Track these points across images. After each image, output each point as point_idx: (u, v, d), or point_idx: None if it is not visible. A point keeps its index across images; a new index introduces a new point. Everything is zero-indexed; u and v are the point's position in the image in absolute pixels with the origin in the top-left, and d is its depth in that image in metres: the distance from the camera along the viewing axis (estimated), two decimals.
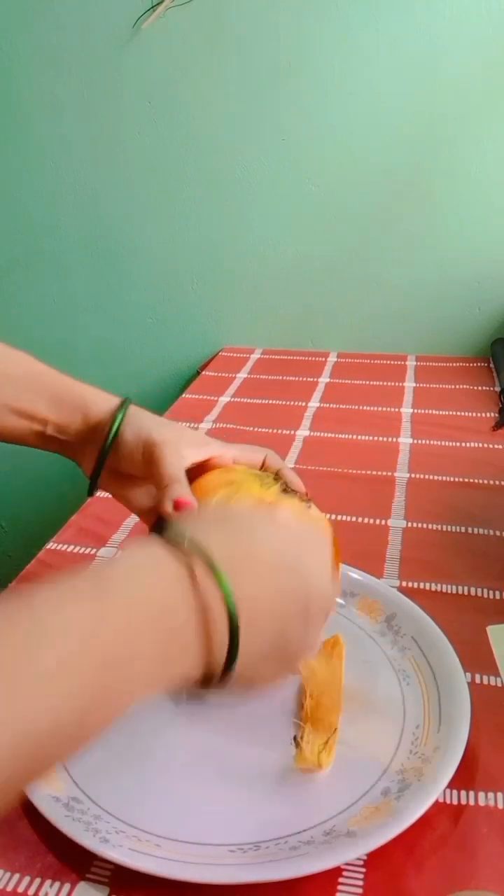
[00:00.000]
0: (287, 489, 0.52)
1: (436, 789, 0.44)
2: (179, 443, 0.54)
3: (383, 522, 0.78)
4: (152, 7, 1.22)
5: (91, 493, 0.57)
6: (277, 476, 0.54)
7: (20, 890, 0.42)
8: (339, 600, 0.61)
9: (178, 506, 0.49)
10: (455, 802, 0.46)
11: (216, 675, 0.37)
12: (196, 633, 0.36)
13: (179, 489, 0.50)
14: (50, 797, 0.44)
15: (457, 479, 0.87)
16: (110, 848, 0.41)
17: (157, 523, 0.41)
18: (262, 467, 0.57)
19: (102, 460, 0.55)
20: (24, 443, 0.57)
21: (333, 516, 0.76)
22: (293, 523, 0.43)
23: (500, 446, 0.96)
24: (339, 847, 0.41)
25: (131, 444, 0.54)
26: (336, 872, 0.42)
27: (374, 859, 0.42)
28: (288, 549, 0.41)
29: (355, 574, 0.64)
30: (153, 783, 0.47)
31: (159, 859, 0.41)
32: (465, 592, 0.66)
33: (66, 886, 0.42)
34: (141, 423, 0.55)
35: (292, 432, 1.03)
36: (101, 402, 0.56)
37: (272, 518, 0.43)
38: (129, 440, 0.54)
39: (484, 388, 1.17)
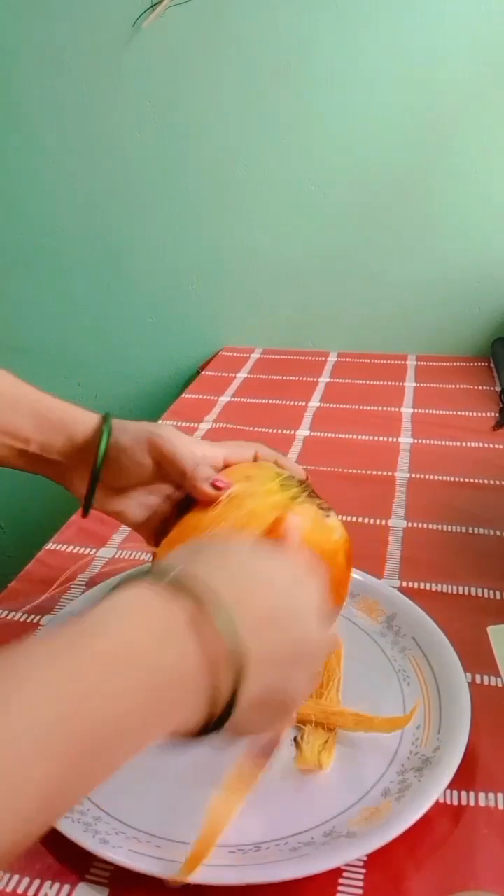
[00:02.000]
0: (311, 494, 0.52)
1: (436, 790, 0.44)
2: (181, 436, 0.54)
3: (383, 522, 0.78)
4: (152, 6, 1.22)
5: (86, 513, 0.57)
6: (302, 482, 0.53)
7: (20, 890, 0.42)
8: None
9: (216, 486, 0.50)
10: (455, 803, 0.46)
11: (210, 725, 0.34)
12: (195, 684, 0.32)
13: (207, 469, 0.51)
14: None
15: (457, 479, 0.87)
16: (110, 849, 0.41)
17: (153, 565, 0.39)
18: (254, 461, 0.57)
19: (95, 479, 0.54)
20: (7, 464, 0.55)
21: None
22: (289, 569, 0.40)
23: (501, 446, 0.96)
24: (340, 848, 0.41)
25: (136, 452, 0.53)
26: (336, 873, 0.42)
27: (375, 859, 0.42)
28: (283, 599, 0.38)
29: (355, 574, 0.64)
30: (153, 784, 0.47)
31: (159, 860, 0.41)
32: (466, 592, 0.66)
33: (66, 887, 0.42)
34: (136, 429, 0.54)
35: (292, 432, 1.02)
36: (82, 420, 0.55)
37: (269, 562, 0.40)
38: (129, 447, 0.53)
39: (484, 387, 1.17)
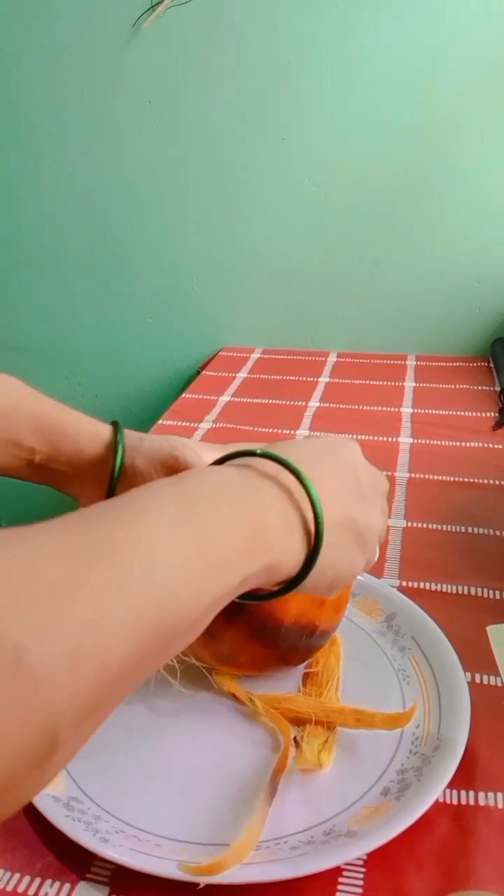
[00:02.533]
0: None
1: (436, 789, 0.44)
2: (194, 451, 0.54)
3: None
4: (152, 7, 1.22)
5: None
6: None
7: (20, 890, 0.42)
8: None
9: None
10: (455, 802, 0.46)
11: (300, 571, 0.38)
12: (285, 522, 0.37)
13: None
14: (50, 797, 0.44)
15: (457, 479, 0.87)
16: (110, 848, 0.42)
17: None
18: None
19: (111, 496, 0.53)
20: (13, 474, 0.54)
21: None
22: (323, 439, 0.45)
23: (500, 446, 0.96)
24: (339, 847, 0.41)
25: (152, 475, 0.53)
26: (336, 872, 0.42)
27: (374, 859, 0.42)
28: (325, 446, 0.44)
29: None
30: (153, 783, 0.47)
31: (159, 859, 0.41)
32: (465, 592, 0.66)
33: (67, 886, 0.42)
34: (150, 449, 0.53)
35: (292, 432, 1.03)
36: (90, 431, 0.54)
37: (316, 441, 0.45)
38: (145, 470, 0.53)
39: (484, 387, 1.17)
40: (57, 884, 0.42)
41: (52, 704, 0.24)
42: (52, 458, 0.53)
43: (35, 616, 0.25)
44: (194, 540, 0.32)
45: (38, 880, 0.42)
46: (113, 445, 0.53)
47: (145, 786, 0.47)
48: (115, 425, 0.55)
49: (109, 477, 0.52)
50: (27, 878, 0.42)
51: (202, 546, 0.32)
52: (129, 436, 0.54)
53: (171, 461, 0.52)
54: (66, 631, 0.25)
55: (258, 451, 0.39)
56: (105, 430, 0.54)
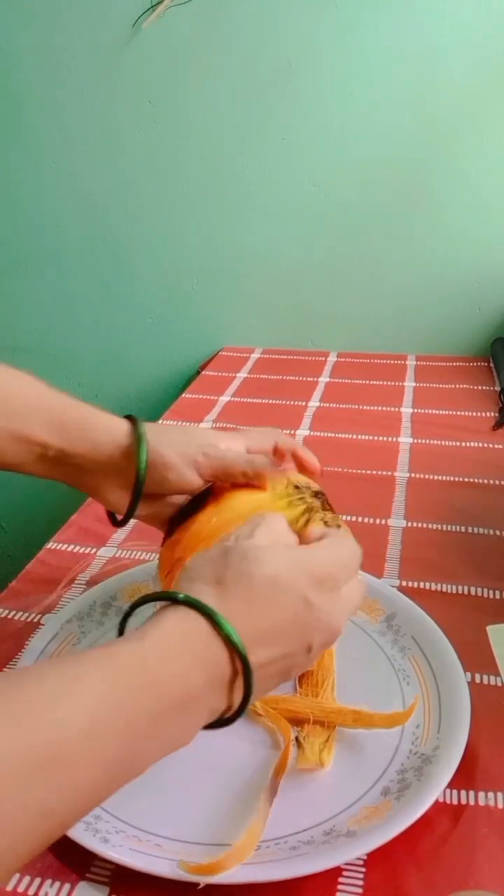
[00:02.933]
0: (323, 505, 0.51)
1: (436, 789, 0.44)
2: (223, 443, 0.55)
3: (383, 522, 0.78)
4: (152, 7, 1.22)
5: (123, 523, 0.57)
6: (316, 493, 0.53)
7: (20, 890, 0.42)
8: None
9: (277, 453, 0.53)
10: (455, 802, 0.46)
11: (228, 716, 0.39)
12: (217, 690, 0.37)
13: (263, 461, 0.52)
14: None
15: (457, 479, 0.87)
16: (110, 848, 0.42)
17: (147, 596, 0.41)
18: (275, 451, 0.56)
19: (137, 498, 0.54)
20: (25, 470, 0.54)
21: None
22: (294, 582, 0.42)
23: (501, 446, 0.96)
24: (339, 847, 0.41)
25: (184, 472, 0.53)
26: (336, 872, 0.42)
27: (374, 859, 0.43)
28: (291, 605, 0.41)
29: None
30: (153, 783, 0.47)
31: (159, 859, 0.41)
32: (465, 592, 0.66)
33: (67, 886, 0.42)
34: (180, 446, 0.54)
35: (292, 432, 1.03)
36: (106, 425, 0.54)
37: (279, 576, 0.42)
38: (175, 465, 0.53)
39: (484, 387, 1.17)
40: (57, 884, 0.42)
41: None
42: (67, 452, 0.53)
43: None
44: (113, 759, 0.32)
45: (38, 880, 0.42)
46: (132, 437, 0.53)
47: (145, 786, 0.47)
48: (132, 420, 0.55)
49: (135, 474, 0.53)
50: (27, 878, 0.42)
51: (122, 762, 0.33)
52: (151, 427, 0.54)
53: (203, 461, 0.53)
54: None
55: (180, 597, 0.38)
56: (121, 425, 0.54)
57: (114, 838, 0.43)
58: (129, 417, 0.55)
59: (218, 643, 0.37)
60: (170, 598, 0.38)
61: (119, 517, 0.57)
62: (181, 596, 0.38)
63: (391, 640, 0.58)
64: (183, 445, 0.53)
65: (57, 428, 0.52)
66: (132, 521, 0.78)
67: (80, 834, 0.42)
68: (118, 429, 0.54)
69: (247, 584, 0.40)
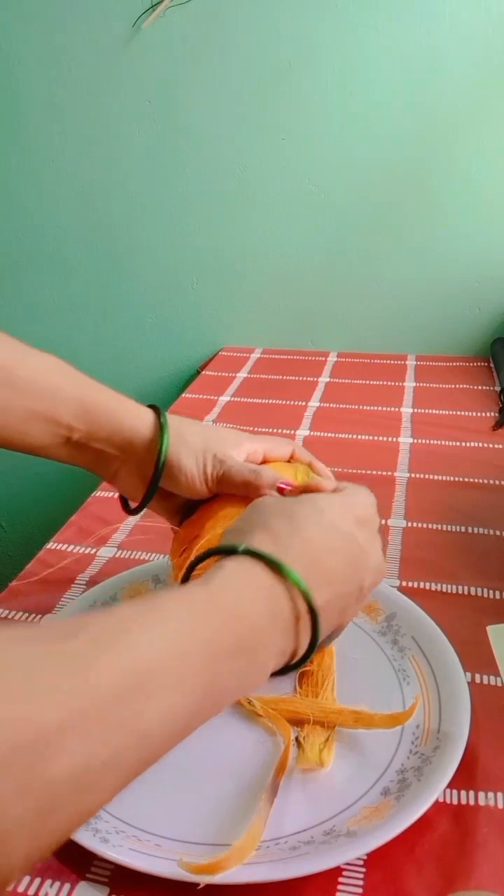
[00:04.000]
0: None
1: (436, 789, 0.44)
2: (237, 446, 0.55)
3: (383, 522, 0.78)
4: (152, 7, 1.22)
5: (137, 511, 0.58)
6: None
7: (20, 890, 0.42)
8: None
9: (281, 490, 0.52)
10: (455, 802, 0.46)
11: (296, 661, 0.40)
12: (284, 632, 0.38)
13: (270, 475, 0.52)
14: None
15: (457, 479, 0.87)
16: (110, 848, 0.42)
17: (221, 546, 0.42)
18: (290, 460, 0.58)
19: (153, 490, 0.54)
20: (48, 454, 0.54)
21: None
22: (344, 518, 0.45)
23: (501, 446, 0.96)
24: (340, 847, 0.41)
25: (195, 477, 0.54)
26: (336, 872, 0.42)
27: (374, 859, 0.43)
28: (345, 546, 0.43)
29: None
30: (152, 783, 0.47)
31: (159, 859, 0.41)
32: (465, 592, 0.66)
33: (67, 886, 0.42)
34: (196, 448, 0.54)
35: (292, 432, 1.03)
36: (132, 413, 0.55)
37: (327, 519, 0.44)
38: (188, 469, 0.54)
39: (484, 387, 1.17)
40: (57, 884, 0.42)
41: (9, 860, 0.24)
42: (91, 436, 0.53)
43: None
44: (199, 684, 0.33)
45: (37, 880, 0.42)
46: (155, 429, 0.54)
47: (145, 785, 0.47)
48: (156, 410, 0.55)
49: (154, 465, 0.53)
50: (27, 878, 0.42)
51: (206, 690, 0.34)
52: (173, 422, 0.55)
53: (217, 469, 0.54)
54: (37, 791, 0.25)
55: (240, 549, 0.39)
56: (146, 414, 0.55)
57: (113, 838, 0.43)
58: (153, 407, 0.56)
59: (281, 588, 0.38)
60: (230, 551, 0.39)
61: (133, 505, 0.58)
62: (241, 547, 0.39)
63: (391, 641, 0.58)
64: (199, 452, 0.54)
65: (83, 412, 0.53)
66: (132, 522, 0.78)
67: (80, 834, 0.42)
68: (143, 418, 0.54)
69: (301, 529, 0.41)
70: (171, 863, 0.41)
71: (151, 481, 0.54)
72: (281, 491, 0.51)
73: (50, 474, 1.57)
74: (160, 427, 0.54)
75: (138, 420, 0.54)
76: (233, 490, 0.53)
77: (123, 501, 0.60)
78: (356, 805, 0.45)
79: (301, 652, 0.40)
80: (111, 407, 0.54)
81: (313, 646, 0.40)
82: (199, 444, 0.54)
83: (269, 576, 0.38)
